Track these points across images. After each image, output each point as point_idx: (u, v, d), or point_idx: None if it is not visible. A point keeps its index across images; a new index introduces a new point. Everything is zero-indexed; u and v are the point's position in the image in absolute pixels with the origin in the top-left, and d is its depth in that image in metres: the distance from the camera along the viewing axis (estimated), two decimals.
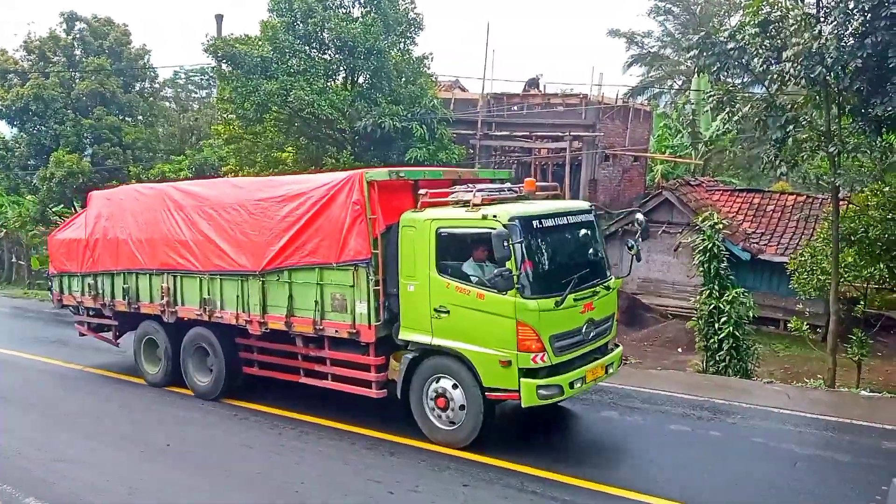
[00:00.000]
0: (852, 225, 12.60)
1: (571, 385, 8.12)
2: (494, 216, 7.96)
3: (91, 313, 13.26)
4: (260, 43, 19.88)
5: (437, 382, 8.58)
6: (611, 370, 9.09)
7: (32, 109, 27.57)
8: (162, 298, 11.36)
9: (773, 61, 11.69)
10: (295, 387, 10.47)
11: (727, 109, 12.56)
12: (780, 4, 11.72)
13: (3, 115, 28.60)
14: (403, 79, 20.59)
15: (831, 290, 12.55)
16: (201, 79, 37.84)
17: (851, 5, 9.88)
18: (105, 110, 28.14)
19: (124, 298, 12.01)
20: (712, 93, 12.95)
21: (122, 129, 28.53)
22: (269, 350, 10.62)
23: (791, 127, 11.54)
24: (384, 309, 8.85)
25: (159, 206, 11.34)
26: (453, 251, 8.47)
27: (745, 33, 11.87)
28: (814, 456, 8.47)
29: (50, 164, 26.87)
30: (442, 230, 8.41)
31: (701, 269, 13.79)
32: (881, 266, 12.97)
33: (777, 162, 12.11)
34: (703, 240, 13.65)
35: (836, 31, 10.26)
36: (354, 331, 9.01)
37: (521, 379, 7.82)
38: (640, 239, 9.29)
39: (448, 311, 8.29)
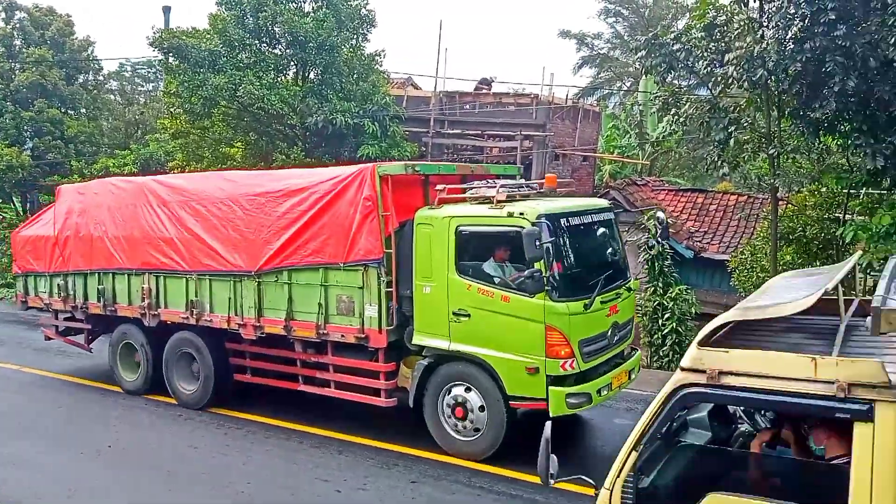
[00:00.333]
0: (790, 224, 12.98)
1: (599, 392, 7.72)
2: (521, 214, 7.52)
3: (62, 316, 12.41)
4: (208, 36, 19.49)
5: (454, 390, 8.06)
6: (633, 375, 8.78)
7: None
8: (143, 300, 10.63)
9: (717, 64, 11.98)
10: (253, 389, 10.29)
11: (672, 111, 12.83)
12: (725, 9, 12.03)
13: None
14: (355, 75, 20.44)
15: None
16: (148, 72, 36.91)
17: (792, 11, 10.15)
18: (46, 103, 27.19)
19: (99, 300, 11.27)
20: (658, 94, 13.21)
21: (65, 123, 27.60)
22: (263, 356, 9.94)
23: (733, 128, 11.84)
24: (396, 312, 8.33)
25: (139, 202, 10.63)
26: (474, 251, 8.01)
27: (691, 36, 12.16)
28: None
29: None
30: (462, 228, 7.94)
31: (646, 266, 14.06)
32: (818, 264, 13.43)
33: (720, 163, 12.41)
34: (648, 238, 13.93)
35: (777, 36, 10.54)
36: (363, 335, 8.46)
37: (549, 387, 7.38)
38: (661, 239, 8.94)
39: (469, 315, 7.79)
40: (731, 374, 3.43)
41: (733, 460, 4.38)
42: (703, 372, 3.49)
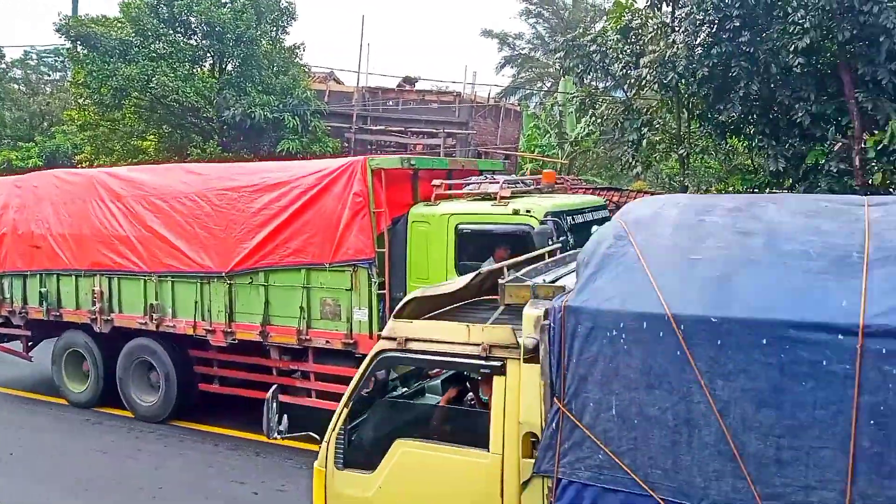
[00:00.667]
0: None
1: None
2: (528, 211, 7.22)
3: None
4: (120, 24, 18.72)
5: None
6: None
7: None
8: (93, 304, 9.73)
9: (631, 66, 12.38)
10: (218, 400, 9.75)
11: (590, 111, 13.18)
12: (639, 13, 12.44)
13: None
14: (275, 68, 20.05)
15: None
16: (55, 60, 35.08)
17: (700, 17, 10.58)
18: None
19: (41, 304, 10.25)
20: (576, 95, 13.53)
21: None
22: (234, 364, 9.22)
23: (646, 129, 12.26)
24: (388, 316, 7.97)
25: (89, 196, 9.72)
26: (475, 250, 7.55)
27: (608, 39, 12.53)
28: None
29: None
30: (463, 226, 7.54)
31: None
32: None
33: (634, 162, 12.82)
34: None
35: (686, 41, 10.98)
36: (351, 341, 7.93)
37: None
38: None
39: None
40: (415, 340, 4.10)
41: (421, 412, 5.06)
42: (395, 339, 4.15)
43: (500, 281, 4.04)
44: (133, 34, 18.25)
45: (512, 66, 36.42)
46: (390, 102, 23.26)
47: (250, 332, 8.60)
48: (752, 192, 12.73)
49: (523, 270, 4.42)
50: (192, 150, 19.14)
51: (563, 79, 23.08)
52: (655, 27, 12.03)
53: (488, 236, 7.50)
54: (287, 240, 8.22)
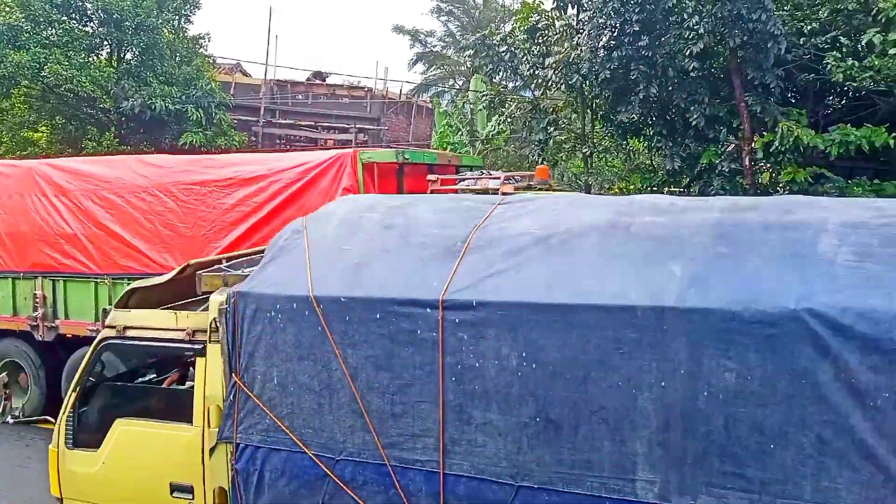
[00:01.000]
0: None
1: None
2: None
3: None
4: (8, 9, 17.59)
5: None
6: None
7: None
8: (34, 310, 8.94)
9: (538, 67, 12.64)
10: None
11: (500, 110, 13.38)
12: (546, 15, 12.71)
13: None
14: (178, 58, 19.35)
15: None
16: None
17: (602, 21, 10.93)
18: None
19: None
20: (485, 93, 13.70)
21: None
22: None
23: (552, 129, 12.55)
24: None
25: (28, 189, 8.92)
26: None
27: (516, 38, 12.74)
28: None
29: None
30: None
31: None
32: None
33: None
34: None
35: (590, 44, 11.31)
36: None
37: None
38: None
39: None
40: (132, 328, 4.53)
41: (141, 394, 5.44)
42: (115, 327, 4.57)
43: (198, 272, 4.48)
44: (23, 19, 17.19)
45: (424, 63, 36.49)
46: (300, 96, 22.89)
47: None
48: (652, 191, 13.27)
49: (235, 262, 4.89)
50: (88, 142, 18.21)
51: (474, 77, 23.36)
52: (561, 29, 12.33)
53: None
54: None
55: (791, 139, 9.69)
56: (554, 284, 3.48)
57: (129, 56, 19.11)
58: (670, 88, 11.41)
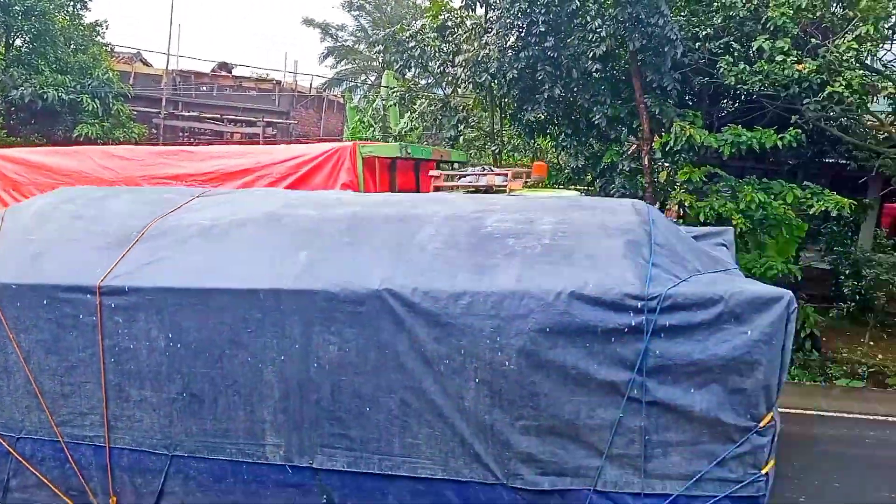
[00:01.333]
0: None
1: None
2: None
3: None
4: None
5: None
6: None
7: None
8: None
9: (448, 65, 12.69)
10: None
11: (410, 106, 13.35)
12: (455, 13, 12.76)
13: None
14: (73, 46, 18.32)
15: None
16: None
17: (510, 21, 11.06)
18: None
19: None
20: (396, 89, 13.64)
21: None
22: None
23: (462, 126, 12.63)
24: None
25: None
26: None
27: (426, 36, 12.72)
28: None
29: None
30: None
31: None
32: None
33: None
34: None
35: (498, 43, 11.43)
36: None
37: None
38: None
39: None
40: None
41: None
42: None
43: None
44: None
45: (335, 58, 36.02)
46: (204, 88, 22.16)
47: None
48: (557, 188, 13.56)
49: None
50: None
51: (386, 73, 23.25)
52: (470, 28, 12.42)
53: None
54: None
55: (684, 139, 10.11)
56: (202, 271, 3.84)
57: (18, 42, 17.95)
58: (575, 89, 11.69)
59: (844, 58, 9.70)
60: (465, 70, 11.93)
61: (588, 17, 10.62)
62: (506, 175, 7.10)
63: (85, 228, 4.23)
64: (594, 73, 10.99)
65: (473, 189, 7.11)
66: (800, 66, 9.78)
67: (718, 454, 3.11)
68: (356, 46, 36.30)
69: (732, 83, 10.33)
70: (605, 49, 10.63)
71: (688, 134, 10.11)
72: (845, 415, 9.16)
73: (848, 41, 9.65)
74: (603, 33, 10.46)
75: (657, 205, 11.16)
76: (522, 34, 11.22)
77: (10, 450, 4.02)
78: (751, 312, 3.07)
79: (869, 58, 11.47)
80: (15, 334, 3.95)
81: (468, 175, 7.47)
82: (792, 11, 9.77)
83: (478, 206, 4.09)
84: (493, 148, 12.70)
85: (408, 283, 3.48)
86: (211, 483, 3.78)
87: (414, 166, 7.98)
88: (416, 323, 3.42)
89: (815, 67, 9.77)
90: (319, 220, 4.04)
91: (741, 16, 10.40)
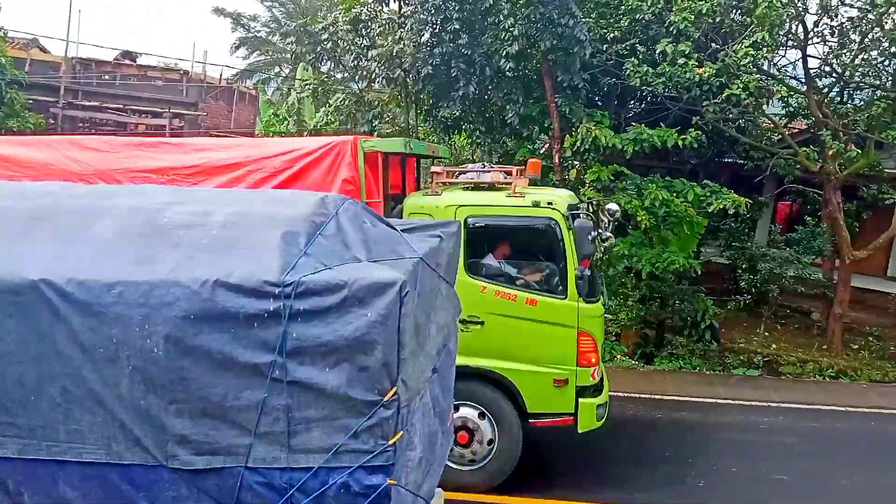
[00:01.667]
0: None
1: (607, 401, 6.97)
2: (550, 203, 6.52)
3: None
4: None
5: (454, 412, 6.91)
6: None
7: None
8: None
9: (362, 59, 12.56)
10: None
11: (323, 100, 13.15)
12: (369, 6, 12.64)
13: None
14: None
15: None
16: None
17: (424, 17, 11.05)
18: None
19: None
20: (308, 82, 13.41)
21: None
22: None
23: (377, 122, 12.54)
24: None
25: None
26: (486, 246, 6.83)
27: (339, 29, 12.54)
28: None
29: None
30: (475, 220, 6.64)
31: None
32: None
33: None
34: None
35: (412, 39, 11.40)
36: None
37: (580, 399, 6.54)
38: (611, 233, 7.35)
39: (482, 323, 6.58)
40: None
41: None
42: None
43: None
44: None
45: (247, 49, 35.08)
46: (106, 77, 21.14)
47: None
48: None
49: None
50: None
51: (301, 65, 22.87)
52: (384, 22, 12.32)
53: (503, 231, 6.90)
54: None
55: (590, 139, 10.40)
56: None
57: None
58: (489, 87, 11.80)
59: (742, 62, 10.18)
60: (380, 65, 11.85)
61: (501, 16, 10.74)
62: (511, 172, 6.89)
63: None
64: (507, 72, 11.12)
65: (474, 185, 6.99)
66: (700, 70, 10.21)
67: (352, 427, 3.38)
68: (269, 38, 35.49)
69: (638, 84, 10.69)
70: (517, 48, 10.77)
71: (593, 135, 10.39)
72: (742, 402, 9.64)
73: (745, 46, 10.13)
74: (515, 32, 10.60)
75: None
76: (437, 30, 11.22)
77: None
78: (371, 296, 3.31)
79: (765, 63, 12.11)
80: None
81: (468, 171, 7.22)
82: (693, 16, 10.18)
83: (169, 198, 4.17)
84: None
85: (65, 273, 3.55)
86: None
87: (401, 162, 7.75)
88: (72, 312, 3.51)
89: (714, 71, 10.22)
90: (47, 209, 4.01)
91: (646, 19, 10.77)
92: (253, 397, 3.40)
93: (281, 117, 29.90)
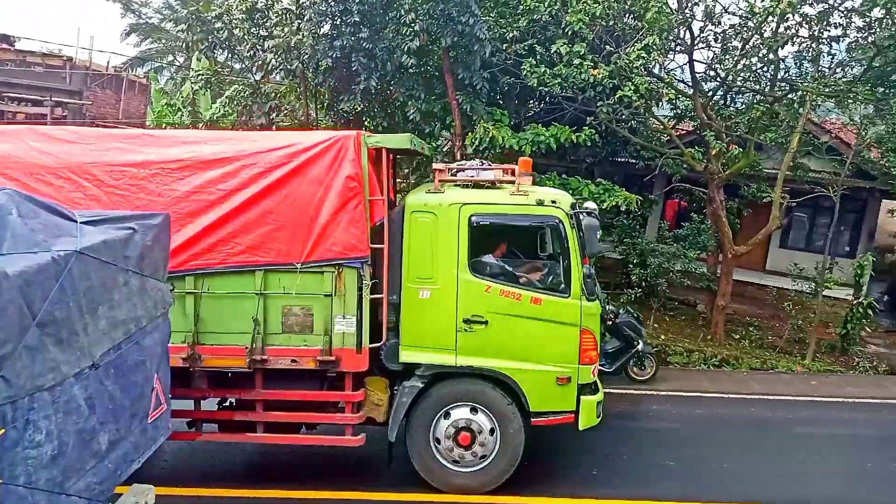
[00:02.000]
0: None
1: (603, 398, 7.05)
2: (554, 202, 6.51)
3: None
4: None
5: (454, 413, 6.69)
6: None
7: None
8: None
9: (258, 49, 12.19)
10: None
11: (216, 90, 12.68)
12: None
13: None
14: None
15: None
16: None
17: (323, 8, 10.85)
18: None
19: None
20: (201, 72, 12.91)
21: None
22: None
23: (275, 115, 12.21)
24: (373, 324, 6.49)
25: None
26: (489, 245, 6.80)
27: (234, 17, 12.13)
28: None
29: None
30: (479, 218, 6.54)
31: None
32: None
33: None
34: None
35: (311, 31, 11.16)
36: (330, 358, 6.39)
37: (581, 397, 6.60)
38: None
39: (485, 322, 6.50)
40: None
41: None
42: None
43: None
44: None
45: (138, 35, 33.46)
46: None
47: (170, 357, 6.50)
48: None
49: None
50: None
51: (196, 53, 21.98)
52: (281, 12, 12.01)
53: (506, 229, 6.90)
54: (235, 234, 6.36)
55: (488, 138, 10.55)
56: None
57: None
58: (391, 82, 11.73)
59: (634, 65, 10.57)
60: (277, 56, 11.54)
61: (402, 11, 10.69)
62: (513, 170, 6.82)
63: None
64: (409, 68, 11.09)
65: (474, 183, 6.90)
66: (594, 71, 10.52)
67: None
68: (163, 25, 33.97)
69: (536, 84, 10.90)
70: (418, 44, 10.75)
71: (491, 134, 10.54)
72: (632, 391, 10.05)
73: (637, 50, 10.52)
74: (416, 28, 10.58)
75: None
76: (337, 23, 11.05)
77: None
78: None
79: (656, 66, 12.63)
80: None
81: (467, 169, 7.10)
82: (588, 18, 10.47)
83: None
84: None
85: None
86: None
87: (389, 157, 7.40)
88: None
89: (608, 73, 10.56)
90: None
91: (544, 20, 11.00)
92: None
93: (175, 108, 28.74)
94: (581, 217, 6.52)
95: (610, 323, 10.11)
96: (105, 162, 6.41)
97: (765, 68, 12.76)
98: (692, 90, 12.67)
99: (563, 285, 6.57)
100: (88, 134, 7.07)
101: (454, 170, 6.99)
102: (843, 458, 8.03)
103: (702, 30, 12.23)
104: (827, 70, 12.87)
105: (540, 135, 10.57)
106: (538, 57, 11.14)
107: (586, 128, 10.92)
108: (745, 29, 11.75)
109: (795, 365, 11.99)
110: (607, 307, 10.74)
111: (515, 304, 6.53)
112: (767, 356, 12.27)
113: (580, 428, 6.63)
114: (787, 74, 13.03)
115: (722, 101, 13.94)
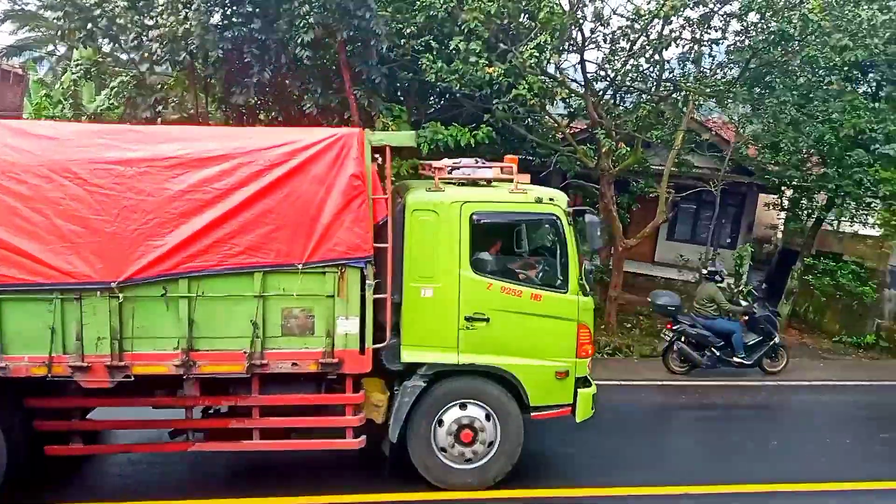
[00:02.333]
0: None
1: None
2: (551, 199, 6.70)
3: None
4: None
5: (454, 411, 6.75)
6: None
7: None
8: None
9: (144, 39, 11.60)
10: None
11: (98, 81, 12.01)
12: None
13: None
14: None
15: None
16: None
17: None
18: None
19: None
20: (81, 62, 12.19)
21: None
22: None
23: (161, 107, 11.69)
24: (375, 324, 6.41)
25: None
26: (489, 243, 6.94)
27: (115, 4, 11.48)
28: None
29: None
30: (480, 216, 6.61)
31: None
32: None
33: None
34: None
35: (200, 20, 10.70)
36: (332, 360, 6.27)
37: (578, 390, 6.86)
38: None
39: (487, 320, 6.60)
40: None
41: None
42: None
43: None
44: None
45: (14, 23, 31.29)
46: None
47: (160, 364, 6.23)
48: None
49: None
50: None
51: (77, 43, 20.69)
52: (167, 1, 11.47)
53: (506, 227, 7.17)
54: (233, 234, 6.11)
55: None
56: None
57: None
58: (287, 75, 11.43)
59: (528, 64, 10.78)
60: (162, 46, 11.01)
61: (296, 2, 10.43)
62: (511, 168, 6.92)
63: None
64: (304, 61, 10.85)
65: (472, 182, 6.98)
66: (490, 69, 10.66)
67: None
68: (40, 12, 31.90)
69: (433, 80, 10.94)
70: (313, 36, 10.51)
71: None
72: None
73: (530, 48, 10.73)
74: (311, 20, 10.33)
75: None
76: (228, 13, 10.68)
77: None
78: None
79: (550, 66, 12.94)
80: None
81: (463, 167, 7.08)
82: (483, 16, 10.59)
83: None
84: None
85: None
86: None
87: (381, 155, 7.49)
88: None
89: (503, 71, 10.72)
90: None
91: (440, 16, 11.01)
92: None
93: (55, 100, 27.06)
94: (585, 215, 6.87)
95: (748, 318, 11.15)
96: (88, 160, 6.09)
97: (651, 69, 13.31)
98: (584, 89, 13.06)
99: (560, 281, 6.77)
100: (65, 130, 6.73)
101: (450, 167, 7.03)
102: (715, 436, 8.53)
103: (592, 31, 12.63)
104: (708, 71, 13.59)
105: (438, 133, 10.60)
106: (435, 53, 11.17)
107: (483, 125, 11.03)
108: (632, 31, 12.21)
109: None
110: (742, 303, 12.20)
111: (516, 301, 6.68)
112: (656, 343, 12.83)
113: (577, 420, 6.90)
114: (671, 75, 13.66)
115: (612, 101, 14.45)
